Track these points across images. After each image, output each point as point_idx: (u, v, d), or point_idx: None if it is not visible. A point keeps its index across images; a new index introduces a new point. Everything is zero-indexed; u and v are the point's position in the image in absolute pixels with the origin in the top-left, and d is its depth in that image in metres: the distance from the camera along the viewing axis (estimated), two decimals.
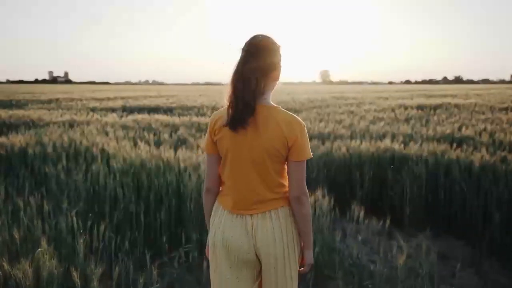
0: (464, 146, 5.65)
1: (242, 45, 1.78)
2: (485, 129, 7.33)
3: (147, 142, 6.05)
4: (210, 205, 1.91)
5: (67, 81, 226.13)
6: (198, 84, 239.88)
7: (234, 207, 1.80)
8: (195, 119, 9.43)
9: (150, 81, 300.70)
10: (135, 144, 5.92)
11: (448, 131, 7.19)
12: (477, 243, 4.59)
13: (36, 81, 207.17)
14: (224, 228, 1.80)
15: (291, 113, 1.79)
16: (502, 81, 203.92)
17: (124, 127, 7.89)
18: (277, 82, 1.84)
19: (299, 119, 1.78)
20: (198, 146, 6.53)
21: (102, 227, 3.24)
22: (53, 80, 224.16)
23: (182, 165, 4.68)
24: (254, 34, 1.79)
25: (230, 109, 1.74)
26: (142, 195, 4.34)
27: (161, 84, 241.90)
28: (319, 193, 4.03)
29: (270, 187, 1.79)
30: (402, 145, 5.87)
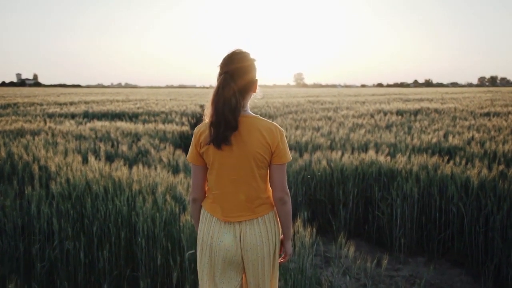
0: (457, 159, 5.07)
1: (220, 61, 1.87)
2: (473, 138, 6.83)
3: (100, 156, 5.23)
4: (198, 213, 2.04)
5: (36, 83, 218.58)
6: (172, 87, 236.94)
7: (223, 215, 1.91)
8: (160, 126, 8.62)
9: (123, 84, 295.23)
10: (85, 159, 5.12)
11: (434, 140, 6.65)
12: (478, 273, 4.01)
13: (3, 84, 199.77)
14: (213, 233, 1.91)
15: (269, 120, 1.96)
16: (470, 85, 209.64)
17: (79, 137, 7.04)
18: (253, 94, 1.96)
19: (278, 125, 1.92)
20: (160, 160, 5.76)
21: (14, 282, 2.45)
22: (22, 82, 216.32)
23: (136, 187, 3.91)
24: (230, 51, 1.86)
25: (212, 128, 1.82)
26: (85, 226, 3.56)
27: (134, 87, 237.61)
28: (299, 222, 3.34)
29: (256, 192, 1.92)
30: (389, 158, 5.26)
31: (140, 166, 4.58)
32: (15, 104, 16.93)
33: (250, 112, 1.93)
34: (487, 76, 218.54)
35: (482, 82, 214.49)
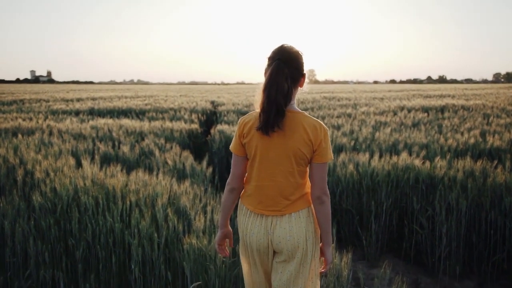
0: (507, 163, 4.34)
1: (269, 54, 1.89)
2: None
3: (96, 159, 4.60)
4: (230, 203, 2.05)
5: (50, 80, 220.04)
6: (183, 83, 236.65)
7: (257, 208, 1.93)
8: (168, 124, 7.99)
9: (135, 81, 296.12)
10: (79, 162, 4.50)
11: (471, 140, 5.91)
12: None
13: (18, 81, 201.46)
14: (247, 225, 1.95)
15: (315, 118, 1.90)
16: (485, 81, 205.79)
17: (78, 136, 6.43)
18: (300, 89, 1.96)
19: (323, 124, 1.89)
20: (165, 162, 5.13)
21: None
22: (35, 79, 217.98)
23: (131, 198, 3.27)
24: (281, 44, 1.89)
25: (262, 114, 1.81)
26: (68, 248, 2.93)
27: (146, 83, 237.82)
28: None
29: (293, 187, 1.90)
30: (427, 162, 4.55)
31: (141, 171, 3.95)
32: (21, 100, 16.46)
33: (296, 107, 1.91)
34: (503, 72, 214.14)
35: (497, 78, 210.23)
